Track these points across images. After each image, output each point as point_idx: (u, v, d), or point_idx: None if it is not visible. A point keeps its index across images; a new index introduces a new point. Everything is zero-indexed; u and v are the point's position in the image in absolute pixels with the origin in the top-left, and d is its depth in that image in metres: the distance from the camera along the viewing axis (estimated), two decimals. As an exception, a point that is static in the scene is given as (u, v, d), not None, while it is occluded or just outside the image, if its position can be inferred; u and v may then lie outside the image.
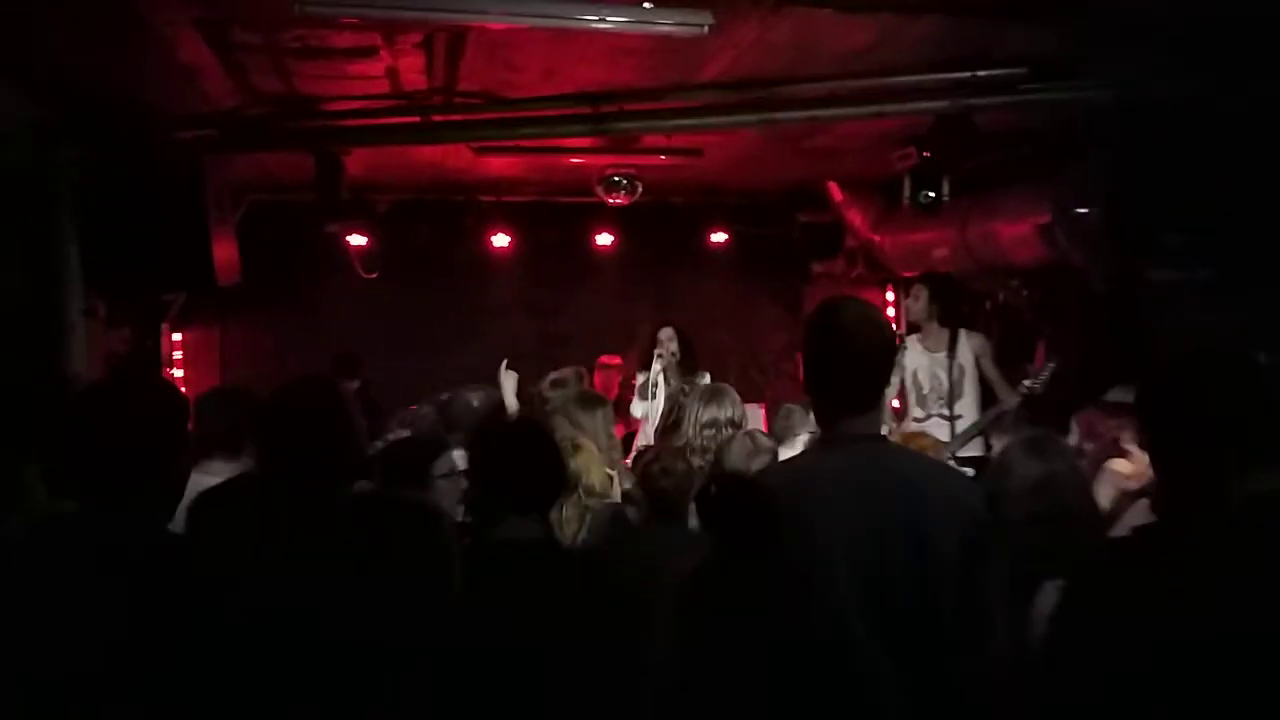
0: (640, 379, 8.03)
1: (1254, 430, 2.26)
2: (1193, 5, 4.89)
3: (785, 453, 5.60)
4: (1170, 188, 6.26)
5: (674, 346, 7.95)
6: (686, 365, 7.96)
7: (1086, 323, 7.92)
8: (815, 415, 3.01)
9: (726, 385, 5.96)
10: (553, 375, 6.48)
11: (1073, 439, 5.03)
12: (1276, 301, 5.97)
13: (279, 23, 5.19)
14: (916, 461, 2.94)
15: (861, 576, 2.52)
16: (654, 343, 8.00)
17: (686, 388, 6.82)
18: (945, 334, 7.79)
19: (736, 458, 4.88)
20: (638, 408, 7.99)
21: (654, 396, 7.67)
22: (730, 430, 5.40)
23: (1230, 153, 6.01)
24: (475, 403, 4.83)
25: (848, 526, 2.56)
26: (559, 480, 3.33)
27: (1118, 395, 4.99)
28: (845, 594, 2.51)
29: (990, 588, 2.58)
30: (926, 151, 6.78)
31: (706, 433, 5.43)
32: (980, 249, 8.02)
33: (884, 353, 2.80)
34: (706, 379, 7.79)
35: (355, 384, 8.60)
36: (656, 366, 7.82)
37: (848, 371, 2.74)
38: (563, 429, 5.17)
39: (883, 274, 10.53)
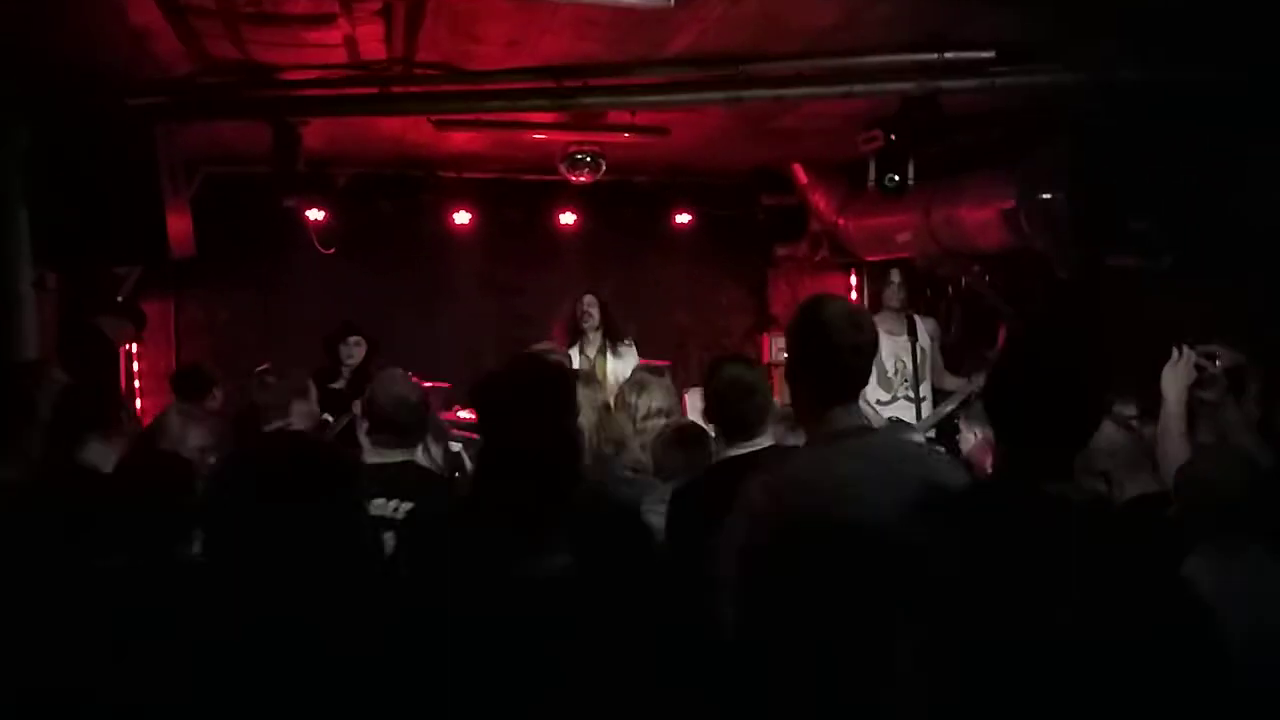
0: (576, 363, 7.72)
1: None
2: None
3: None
4: (1135, 174, 6.27)
5: (596, 313, 7.96)
6: (610, 334, 7.99)
7: (1049, 309, 7.92)
8: (795, 407, 3.08)
9: (651, 376, 5.56)
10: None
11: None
12: (1237, 290, 5.98)
13: (233, -14, 5.08)
14: (903, 448, 3.15)
15: (871, 565, 2.58)
16: (577, 313, 7.99)
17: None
18: (903, 317, 8.11)
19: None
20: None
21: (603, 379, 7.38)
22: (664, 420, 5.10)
23: (1195, 140, 6.01)
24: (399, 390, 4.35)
25: (853, 515, 2.66)
26: None
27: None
28: (862, 583, 2.57)
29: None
30: (893, 134, 6.71)
31: (650, 423, 5.09)
32: (944, 233, 7.99)
33: (868, 347, 2.91)
34: (632, 348, 7.91)
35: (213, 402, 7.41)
36: (595, 340, 7.85)
37: (835, 365, 2.86)
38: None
39: (846, 258, 10.46)
